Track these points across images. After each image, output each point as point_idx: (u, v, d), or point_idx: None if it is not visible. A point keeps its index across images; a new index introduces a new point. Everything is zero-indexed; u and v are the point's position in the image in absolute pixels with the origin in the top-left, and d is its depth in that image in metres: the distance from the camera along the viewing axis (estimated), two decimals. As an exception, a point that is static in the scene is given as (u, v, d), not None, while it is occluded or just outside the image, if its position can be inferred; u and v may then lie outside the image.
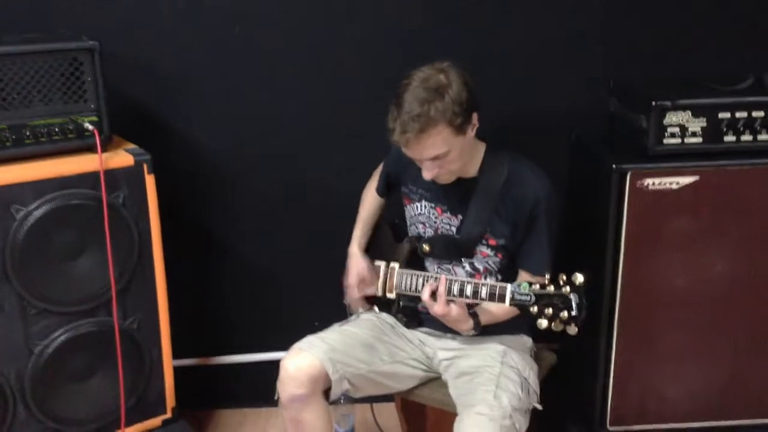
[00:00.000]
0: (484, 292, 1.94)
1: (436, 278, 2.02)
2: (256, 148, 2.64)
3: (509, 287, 1.89)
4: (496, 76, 2.52)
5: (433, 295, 1.98)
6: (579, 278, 1.82)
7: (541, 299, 1.84)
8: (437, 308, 1.98)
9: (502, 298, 1.90)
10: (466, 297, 1.97)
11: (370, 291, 2.25)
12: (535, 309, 1.85)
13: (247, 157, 2.65)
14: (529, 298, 1.86)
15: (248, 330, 2.84)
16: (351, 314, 2.33)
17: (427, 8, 2.53)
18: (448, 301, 1.97)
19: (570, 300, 1.81)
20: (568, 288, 1.82)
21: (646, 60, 2.55)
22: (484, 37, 2.54)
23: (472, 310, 2.06)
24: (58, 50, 2.10)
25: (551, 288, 1.84)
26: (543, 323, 1.84)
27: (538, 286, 1.86)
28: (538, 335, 2.28)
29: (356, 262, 2.28)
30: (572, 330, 1.83)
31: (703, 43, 2.55)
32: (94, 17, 2.44)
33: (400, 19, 2.54)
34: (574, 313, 1.81)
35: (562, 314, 1.81)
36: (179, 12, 2.49)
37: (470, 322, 2.04)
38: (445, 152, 1.95)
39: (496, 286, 1.92)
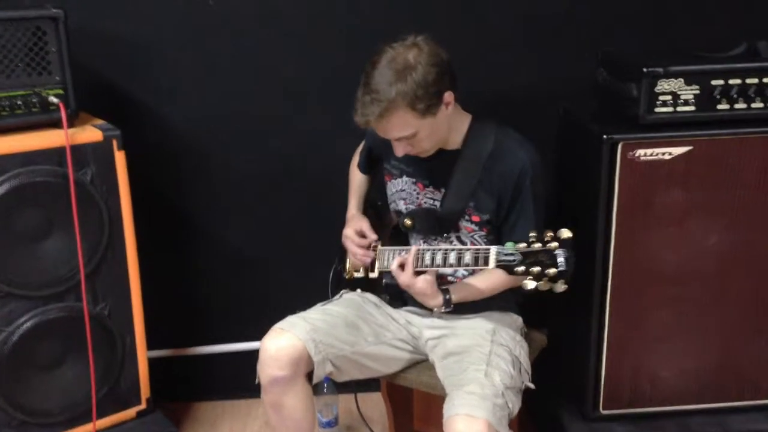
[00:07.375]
0: (468, 257, 1.88)
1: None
2: (231, 124, 2.58)
3: (493, 248, 1.83)
4: (482, 50, 2.50)
5: (402, 266, 1.93)
6: (565, 233, 1.76)
7: (528, 257, 1.77)
8: (402, 278, 1.95)
9: (486, 261, 1.84)
10: (450, 265, 1.92)
11: (370, 239, 2.17)
12: (521, 269, 1.78)
13: (222, 133, 2.59)
14: (514, 257, 1.79)
15: (226, 319, 2.78)
16: (333, 295, 2.26)
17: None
18: (417, 273, 1.92)
19: (556, 255, 1.74)
20: (555, 243, 1.75)
21: (634, 31, 2.52)
22: (469, 9, 2.50)
23: (444, 286, 2.01)
24: (20, 18, 2.04)
25: (537, 245, 1.77)
26: (530, 284, 1.76)
27: (524, 244, 1.79)
28: (527, 316, 2.24)
29: (356, 220, 2.23)
30: (560, 287, 1.75)
31: (691, 14, 2.52)
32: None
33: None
34: (561, 268, 1.73)
35: (549, 271, 1.74)
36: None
37: (439, 298, 1.98)
38: (412, 134, 1.92)
39: (479, 249, 1.87)
